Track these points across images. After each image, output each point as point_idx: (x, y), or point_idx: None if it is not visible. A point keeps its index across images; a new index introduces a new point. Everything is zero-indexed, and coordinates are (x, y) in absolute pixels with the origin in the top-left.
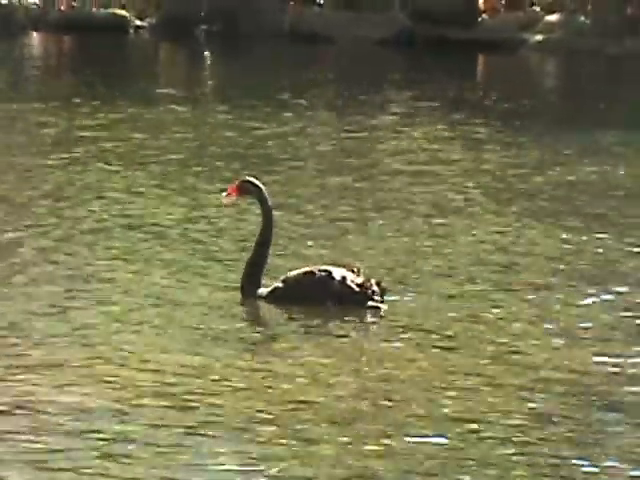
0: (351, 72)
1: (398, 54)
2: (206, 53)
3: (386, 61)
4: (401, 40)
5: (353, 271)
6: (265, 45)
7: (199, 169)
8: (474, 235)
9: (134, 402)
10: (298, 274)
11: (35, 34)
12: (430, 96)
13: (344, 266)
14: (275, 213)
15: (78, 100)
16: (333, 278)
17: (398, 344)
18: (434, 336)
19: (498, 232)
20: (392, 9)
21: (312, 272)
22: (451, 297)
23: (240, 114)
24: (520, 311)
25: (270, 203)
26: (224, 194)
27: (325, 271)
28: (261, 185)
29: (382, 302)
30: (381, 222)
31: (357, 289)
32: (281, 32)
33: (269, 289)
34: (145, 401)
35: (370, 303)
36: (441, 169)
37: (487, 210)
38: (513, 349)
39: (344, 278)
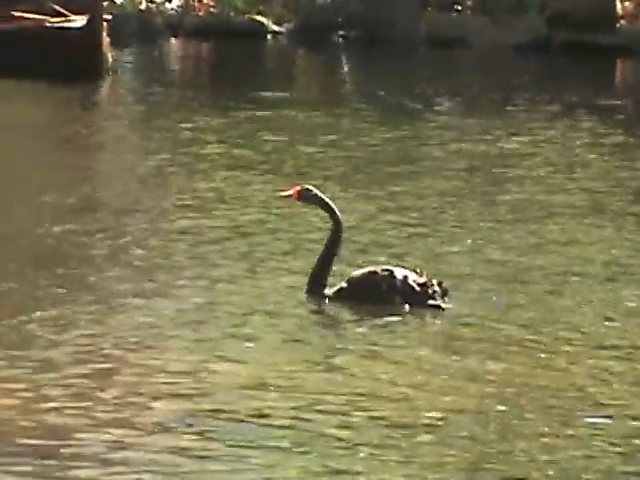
0: (487, 77)
1: (534, 59)
2: (343, 59)
3: (522, 66)
4: (537, 45)
5: (416, 272)
6: (402, 51)
7: (331, 173)
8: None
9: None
10: (362, 274)
11: (173, 40)
12: (566, 101)
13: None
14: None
15: (215, 105)
16: (395, 277)
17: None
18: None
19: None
20: (529, 14)
21: (375, 272)
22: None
23: (377, 120)
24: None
25: (335, 209)
26: (283, 193)
27: (387, 270)
28: (320, 194)
29: (444, 302)
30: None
31: (418, 288)
32: (418, 38)
33: (334, 289)
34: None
35: (431, 302)
36: (577, 174)
37: (613, 214)
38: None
39: (406, 277)
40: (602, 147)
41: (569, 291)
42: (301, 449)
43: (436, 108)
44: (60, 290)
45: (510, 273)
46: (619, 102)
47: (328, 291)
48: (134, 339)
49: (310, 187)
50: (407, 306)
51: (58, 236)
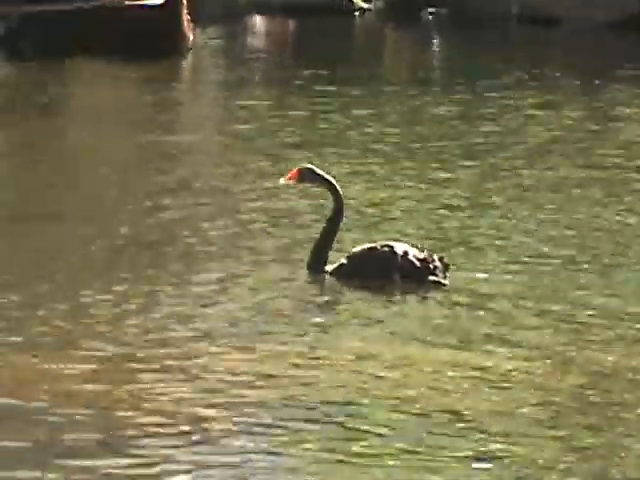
0: (578, 56)
1: (625, 38)
2: (433, 36)
3: (614, 45)
4: (630, 24)
5: (417, 247)
6: (493, 28)
7: (420, 151)
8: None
9: None
10: (362, 250)
11: (258, 17)
12: None
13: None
14: None
15: (305, 82)
16: (395, 253)
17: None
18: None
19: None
20: None
21: (375, 248)
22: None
23: (469, 102)
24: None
25: (337, 185)
26: (282, 179)
27: (387, 246)
28: (321, 172)
29: (445, 278)
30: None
31: (419, 264)
32: (509, 15)
33: (335, 266)
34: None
35: (432, 278)
36: None
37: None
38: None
39: (406, 253)
40: None
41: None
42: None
43: (530, 85)
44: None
45: (519, 252)
46: None
47: (329, 267)
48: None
49: (310, 166)
50: (408, 281)
51: (155, 217)
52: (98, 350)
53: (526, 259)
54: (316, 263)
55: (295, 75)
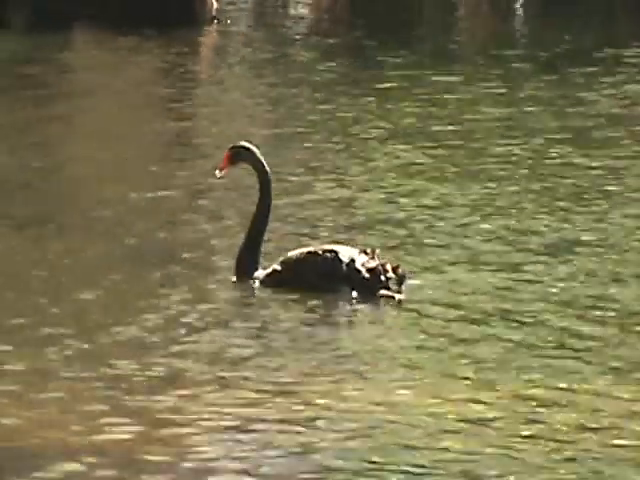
0: None
1: None
2: (517, 6)
3: None
4: None
5: (366, 252)
6: None
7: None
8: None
9: None
10: (300, 254)
11: None
12: None
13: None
14: None
15: (354, 55)
16: (340, 259)
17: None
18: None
19: None
20: None
21: (315, 252)
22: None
23: (556, 81)
24: None
25: (267, 169)
26: (217, 171)
27: (330, 251)
28: (254, 149)
29: (398, 291)
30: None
31: (367, 274)
32: None
33: (266, 272)
34: None
35: (382, 292)
36: None
37: None
38: None
39: (353, 260)
40: None
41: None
42: None
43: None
44: None
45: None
46: None
47: (259, 273)
48: None
49: (245, 144)
50: (353, 295)
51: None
52: None
53: (491, 267)
54: (245, 269)
55: (347, 48)
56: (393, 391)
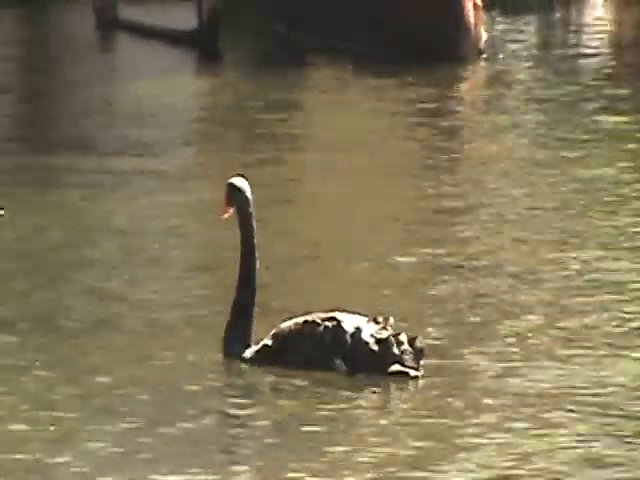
0: None
1: None
2: None
3: None
4: None
5: (377, 321)
6: None
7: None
8: None
9: None
10: (294, 324)
11: (600, 1)
12: None
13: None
14: None
15: None
16: (343, 330)
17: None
18: None
19: None
20: None
21: (312, 322)
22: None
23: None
24: None
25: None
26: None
27: (331, 319)
28: (245, 187)
29: (416, 368)
30: None
31: (376, 347)
32: None
33: (255, 348)
34: None
35: (394, 368)
36: None
37: None
38: None
39: (359, 330)
40: None
41: None
42: None
43: None
44: None
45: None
46: None
47: (248, 351)
48: None
49: (232, 181)
50: (359, 374)
51: None
52: None
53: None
54: (233, 345)
55: None
56: None
